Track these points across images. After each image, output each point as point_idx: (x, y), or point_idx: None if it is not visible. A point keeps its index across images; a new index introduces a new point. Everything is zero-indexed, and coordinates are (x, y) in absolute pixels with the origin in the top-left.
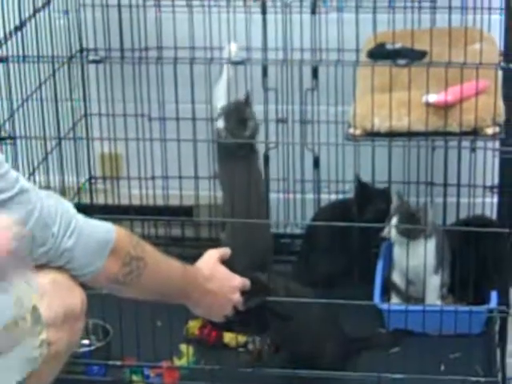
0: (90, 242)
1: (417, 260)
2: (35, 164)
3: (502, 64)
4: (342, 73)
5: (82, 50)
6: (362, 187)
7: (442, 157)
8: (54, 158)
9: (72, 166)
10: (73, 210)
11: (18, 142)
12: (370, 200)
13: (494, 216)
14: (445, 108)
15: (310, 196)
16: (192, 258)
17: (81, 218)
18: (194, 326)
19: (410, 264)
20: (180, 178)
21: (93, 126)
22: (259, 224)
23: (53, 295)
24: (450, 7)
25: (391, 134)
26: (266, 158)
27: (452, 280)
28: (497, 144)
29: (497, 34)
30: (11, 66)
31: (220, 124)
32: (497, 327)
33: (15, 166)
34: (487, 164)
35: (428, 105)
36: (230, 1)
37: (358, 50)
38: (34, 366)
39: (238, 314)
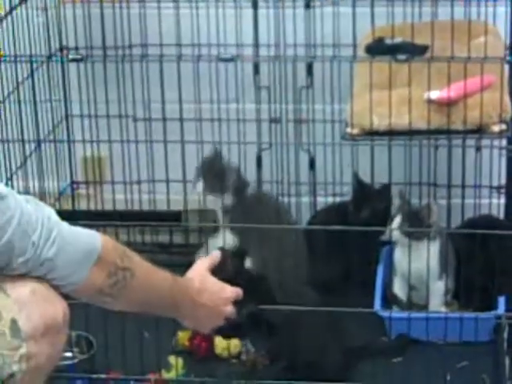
0: (73, 251)
1: (419, 263)
2: (13, 169)
3: (509, 58)
4: (339, 69)
5: (61, 49)
6: (359, 185)
7: (446, 156)
8: (34, 162)
9: (52, 170)
10: (55, 217)
11: None
12: (368, 199)
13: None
14: (448, 105)
15: (305, 199)
16: (181, 266)
17: (64, 225)
18: (183, 336)
19: (412, 267)
20: (167, 181)
21: (74, 128)
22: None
23: (33, 306)
24: None
25: (391, 133)
26: (259, 160)
27: (457, 285)
28: (503, 142)
29: (502, 26)
30: None
31: (199, 188)
32: (505, 334)
33: None
34: (493, 163)
35: (430, 102)
36: None
37: (355, 46)
38: (14, 382)
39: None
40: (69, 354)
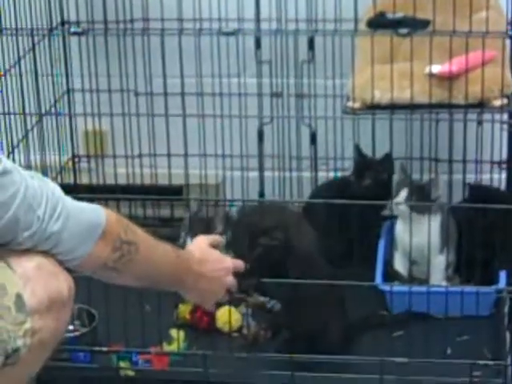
0: (78, 225)
1: (421, 237)
2: (15, 142)
3: (511, 33)
4: (340, 43)
5: (63, 23)
6: (361, 157)
7: (447, 131)
8: (35, 136)
9: (54, 143)
10: (59, 192)
11: None
12: (370, 168)
13: None
14: (449, 79)
15: (306, 174)
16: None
17: (68, 200)
18: (184, 309)
19: (413, 241)
20: (169, 155)
21: (76, 102)
22: None
23: (38, 281)
24: None
25: (392, 107)
26: (261, 134)
27: (458, 259)
28: (505, 116)
29: (504, 1)
30: None
31: None
32: (506, 308)
33: None
34: (495, 138)
35: (431, 76)
36: None
37: (356, 20)
38: (18, 357)
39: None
40: (70, 327)
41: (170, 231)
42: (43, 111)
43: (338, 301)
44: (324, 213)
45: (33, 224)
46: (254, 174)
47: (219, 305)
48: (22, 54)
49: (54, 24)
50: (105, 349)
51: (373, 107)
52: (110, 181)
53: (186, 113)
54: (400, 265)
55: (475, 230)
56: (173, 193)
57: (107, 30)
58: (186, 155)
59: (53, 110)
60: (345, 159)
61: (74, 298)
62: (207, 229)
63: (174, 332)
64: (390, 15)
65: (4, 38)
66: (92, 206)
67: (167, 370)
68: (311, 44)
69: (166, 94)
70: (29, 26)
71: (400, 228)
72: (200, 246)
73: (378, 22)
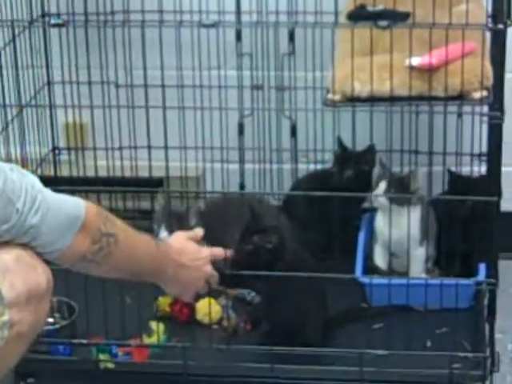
0: (57, 218)
1: (400, 230)
2: None
3: (490, 25)
4: (321, 36)
5: (43, 15)
6: (342, 149)
7: (427, 123)
8: (15, 128)
9: (34, 136)
10: (38, 185)
11: None
12: (351, 160)
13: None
14: (429, 71)
15: (287, 166)
16: None
17: (48, 192)
18: (164, 302)
19: (393, 234)
20: (149, 147)
21: (56, 94)
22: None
23: (16, 274)
24: None
25: (372, 99)
26: (241, 126)
27: (438, 252)
28: (485, 109)
29: None
30: None
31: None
32: (485, 301)
33: None
34: (475, 130)
35: (411, 68)
36: None
37: (336, 13)
38: None
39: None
40: (50, 320)
41: (150, 223)
42: (23, 103)
43: (318, 293)
44: (304, 205)
45: (11, 217)
46: (235, 167)
47: (199, 296)
48: (1, 45)
49: (35, 16)
50: (84, 341)
51: (353, 99)
52: (91, 173)
53: (166, 105)
54: (379, 258)
55: (455, 222)
56: (153, 185)
57: (88, 22)
58: (166, 147)
59: (33, 102)
60: (325, 151)
61: (53, 290)
62: (179, 222)
63: (153, 324)
64: (370, 8)
65: None
66: (72, 198)
67: (147, 362)
68: (292, 37)
69: (146, 85)
70: (9, 18)
71: (380, 220)
72: (178, 239)
73: (359, 15)
